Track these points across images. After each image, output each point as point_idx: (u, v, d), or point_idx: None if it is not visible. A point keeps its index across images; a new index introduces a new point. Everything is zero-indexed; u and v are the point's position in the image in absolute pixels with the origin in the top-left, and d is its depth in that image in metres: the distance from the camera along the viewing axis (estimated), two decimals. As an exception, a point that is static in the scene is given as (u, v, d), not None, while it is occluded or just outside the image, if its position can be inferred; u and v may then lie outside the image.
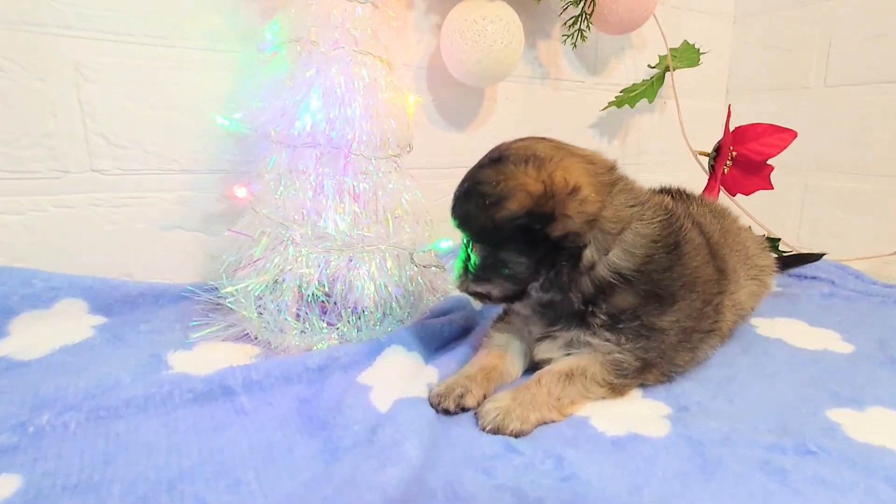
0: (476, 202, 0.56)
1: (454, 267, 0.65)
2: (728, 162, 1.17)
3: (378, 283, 0.75)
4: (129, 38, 0.83)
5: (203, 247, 0.93)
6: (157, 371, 0.64)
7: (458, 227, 0.60)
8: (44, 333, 0.72)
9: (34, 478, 0.44)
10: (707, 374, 0.68)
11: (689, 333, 0.63)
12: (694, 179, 1.22)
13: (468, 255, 0.62)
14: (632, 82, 1.39)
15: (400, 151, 0.82)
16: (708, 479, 0.47)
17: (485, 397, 0.60)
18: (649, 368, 0.62)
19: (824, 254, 1.08)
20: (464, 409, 0.58)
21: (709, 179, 1.19)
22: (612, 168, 0.62)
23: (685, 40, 1.37)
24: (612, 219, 0.58)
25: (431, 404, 0.58)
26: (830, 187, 1.42)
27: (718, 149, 1.17)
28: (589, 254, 0.57)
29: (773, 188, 1.18)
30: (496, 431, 0.53)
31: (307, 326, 0.75)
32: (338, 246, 0.74)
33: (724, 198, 1.20)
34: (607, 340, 0.59)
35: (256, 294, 0.74)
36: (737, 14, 1.57)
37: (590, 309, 0.59)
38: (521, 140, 0.62)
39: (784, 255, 1.10)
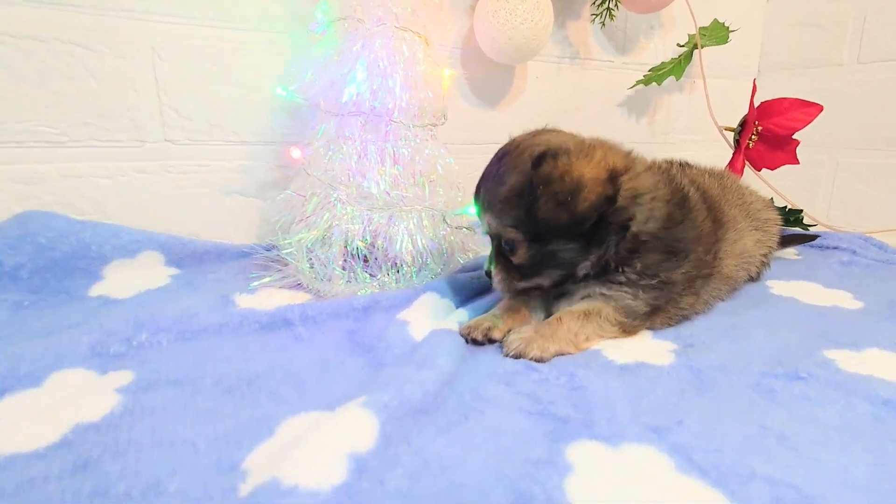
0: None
1: (491, 273, 0.68)
2: (753, 137, 1.20)
3: (415, 238, 0.84)
4: (197, 22, 0.94)
5: (259, 211, 1.04)
6: (226, 307, 0.74)
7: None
8: (130, 279, 0.84)
9: (143, 373, 0.55)
10: (715, 320, 0.74)
11: (693, 280, 0.69)
12: (721, 157, 1.25)
13: (507, 259, 0.66)
14: (660, 61, 1.42)
15: (435, 121, 0.90)
16: (702, 395, 0.53)
17: (510, 332, 0.67)
18: (657, 312, 0.68)
19: (818, 235, 1.11)
20: (490, 341, 0.66)
21: (733, 154, 1.22)
22: (629, 151, 0.68)
23: (715, 19, 1.39)
24: (645, 190, 0.64)
25: (462, 335, 0.66)
26: (862, 164, 1.42)
27: (743, 124, 1.20)
28: (634, 225, 0.63)
29: (798, 163, 1.21)
30: (518, 357, 0.61)
31: (352, 276, 0.84)
32: (379, 205, 0.83)
33: (747, 173, 1.23)
34: (625, 293, 0.65)
35: (308, 247, 0.83)
36: (770, -9, 1.58)
37: (621, 269, 0.65)
38: (539, 134, 0.67)
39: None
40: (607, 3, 1.18)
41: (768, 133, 1.19)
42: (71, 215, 0.87)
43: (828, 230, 1.19)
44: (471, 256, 0.94)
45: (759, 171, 1.24)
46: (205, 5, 0.93)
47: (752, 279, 0.90)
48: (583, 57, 1.37)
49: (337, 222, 0.82)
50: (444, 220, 0.88)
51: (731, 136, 1.25)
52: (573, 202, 0.58)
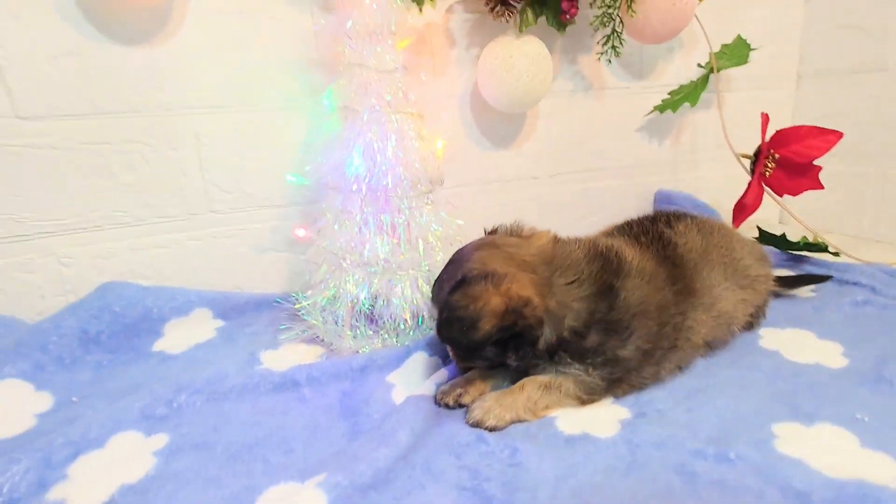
0: (456, 327, 0.68)
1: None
2: (771, 164, 1.17)
3: (411, 299, 0.94)
4: (229, 109, 1.09)
5: (289, 265, 1.19)
6: (252, 366, 0.90)
7: (445, 343, 0.76)
8: (184, 335, 1.02)
9: (175, 436, 0.70)
10: (682, 383, 0.78)
11: (650, 353, 0.73)
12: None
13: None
14: (682, 82, 1.40)
15: (432, 188, 1.00)
16: (627, 476, 0.59)
17: (481, 395, 0.76)
18: (617, 384, 0.74)
19: (830, 276, 1.06)
20: (460, 405, 0.75)
21: (749, 182, 1.19)
22: (551, 259, 0.73)
23: (738, 35, 1.35)
24: (557, 306, 0.70)
25: (435, 400, 0.76)
26: (908, 177, 1.32)
27: (758, 153, 1.17)
28: (544, 337, 0.70)
29: (823, 188, 1.17)
30: (476, 426, 0.70)
31: (358, 333, 0.97)
32: (379, 270, 0.94)
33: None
34: (577, 370, 0.72)
35: (321, 307, 0.97)
36: (809, -6, 1.48)
37: (556, 356, 0.72)
38: (477, 250, 0.74)
39: (791, 276, 1.09)
40: (611, 40, 1.19)
41: (785, 161, 1.15)
42: (139, 282, 1.07)
43: (854, 261, 1.14)
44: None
45: (781, 196, 1.20)
46: (235, 95, 1.09)
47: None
48: (597, 87, 1.39)
49: (343, 286, 0.94)
50: (440, 277, 0.98)
51: (748, 163, 1.22)
52: (471, 331, 0.67)
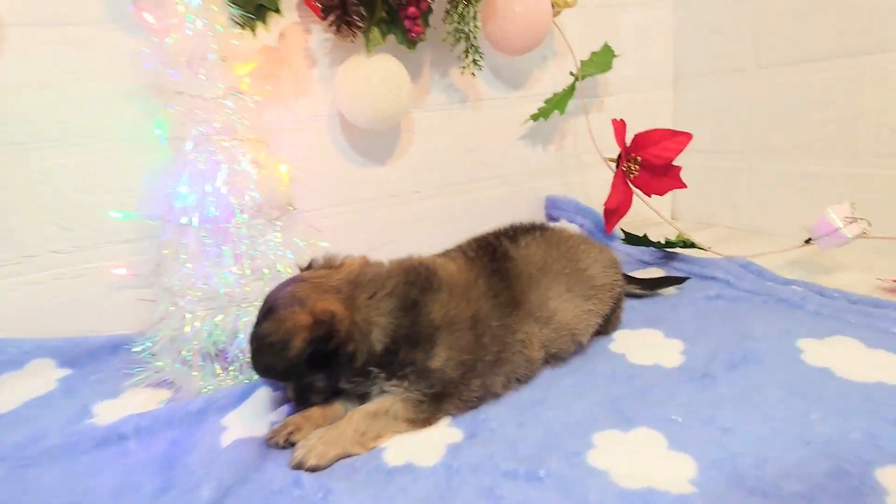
0: (268, 353, 0.67)
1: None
2: (635, 167, 1.20)
3: (260, 331, 0.89)
4: (62, 142, 1.02)
5: (148, 304, 1.12)
6: (80, 421, 0.82)
7: (264, 377, 0.73)
8: (19, 389, 0.93)
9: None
10: (522, 396, 0.77)
11: (470, 364, 0.72)
12: None
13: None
14: (558, 90, 1.43)
15: (280, 214, 0.96)
16: (437, 504, 0.57)
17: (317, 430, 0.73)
18: (444, 400, 0.72)
19: (688, 278, 1.09)
20: (292, 444, 0.71)
21: (612, 186, 1.22)
22: (356, 279, 0.73)
23: (606, 43, 1.38)
24: (363, 321, 0.70)
25: (266, 440, 0.72)
26: (772, 169, 1.39)
27: (620, 157, 1.20)
28: (358, 351, 0.69)
29: (685, 187, 1.21)
30: (298, 467, 0.66)
31: (206, 372, 0.91)
32: (222, 304, 0.89)
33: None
34: (395, 387, 0.70)
35: (165, 347, 0.91)
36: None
37: (372, 374, 0.70)
38: (284, 286, 0.73)
39: (650, 278, 1.11)
40: (471, 54, 1.19)
41: (647, 163, 1.18)
42: (-35, 336, 0.97)
43: (716, 256, 1.18)
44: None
45: (650, 196, 1.23)
46: (69, 128, 1.02)
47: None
48: (473, 99, 1.39)
49: (186, 324, 0.89)
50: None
51: (614, 166, 1.25)
52: (284, 350, 0.65)
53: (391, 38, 1.10)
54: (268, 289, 0.90)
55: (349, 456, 0.68)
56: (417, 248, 1.42)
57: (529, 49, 1.21)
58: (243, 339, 0.88)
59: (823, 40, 1.21)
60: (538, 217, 1.56)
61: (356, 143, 1.29)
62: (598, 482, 0.57)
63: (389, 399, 0.71)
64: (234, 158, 0.89)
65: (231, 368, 0.91)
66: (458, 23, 1.10)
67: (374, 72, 1.06)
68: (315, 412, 0.75)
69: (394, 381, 0.71)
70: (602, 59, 1.34)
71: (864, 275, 1.05)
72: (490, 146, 1.45)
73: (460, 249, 0.88)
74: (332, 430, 0.69)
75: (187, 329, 0.86)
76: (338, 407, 0.77)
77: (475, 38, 1.16)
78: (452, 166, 1.42)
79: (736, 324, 0.89)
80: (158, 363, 0.91)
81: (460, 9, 1.07)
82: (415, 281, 0.75)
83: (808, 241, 1.10)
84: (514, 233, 0.91)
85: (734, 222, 1.51)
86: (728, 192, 1.50)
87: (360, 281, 0.73)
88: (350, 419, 0.70)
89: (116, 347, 1.05)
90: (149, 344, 0.91)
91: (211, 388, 0.88)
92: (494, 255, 0.83)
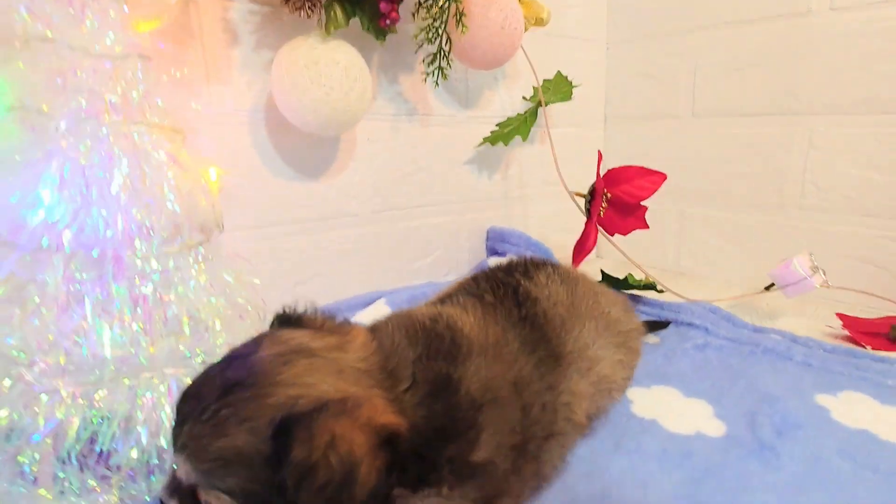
0: (321, 500, 0.37)
1: None
2: (604, 204, 1.11)
3: (170, 418, 0.58)
4: None
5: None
6: None
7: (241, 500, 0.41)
8: None
9: None
10: (574, 486, 0.58)
11: (522, 448, 0.52)
12: (579, 212, 1.16)
13: None
14: (508, 114, 1.31)
15: (203, 238, 0.66)
16: None
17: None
18: (497, 499, 0.51)
19: (670, 322, 1.05)
20: None
21: (586, 223, 1.13)
22: (384, 362, 0.49)
23: (559, 71, 1.31)
24: (412, 426, 0.45)
25: None
26: (705, 216, 1.43)
27: (593, 192, 1.11)
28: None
29: (648, 227, 1.15)
30: None
31: (68, 487, 0.56)
32: (107, 377, 0.56)
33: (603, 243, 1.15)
34: (427, 497, 0.46)
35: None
36: (609, 41, 1.55)
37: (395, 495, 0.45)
38: (285, 363, 0.44)
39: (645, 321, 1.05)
40: (438, 61, 1.02)
41: (617, 200, 1.11)
42: None
43: (680, 300, 1.14)
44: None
45: (612, 236, 1.16)
46: None
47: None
48: (422, 112, 1.21)
49: (34, 412, 0.54)
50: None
51: (581, 201, 1.16)
52: (350, 486, 0.38)
53: (355, 22, 0.87)
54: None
55: None
56: (347, 284, 1.18)
57: (500, 63, 1.08)
58: (143, 431, 0.56)
59: (756, 97, 1.28)
60: (479, 251, 1.41)
61: (285, 151, 1.01)
62: None
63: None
64: (141, 151, 0.58)
65: (117, 478, 0.57)
66: (436, 18, 0.92)
67: (336, 61, 0.82)
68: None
69: (423, 493, 0.47)
70: (559, 88, 1.27)
71: (802, 319, 1.08)
72: (434, 168, 1.27)
73: (468, 293, 0.67)
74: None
75: (50, 414, 0.52)
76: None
77: (448, 40, 0.99)
78: (392, 188, 1.21)
79: (743, 379, 0.83)
80: (-27, 481, 0.54)
81: (441, 1, 0.89)
82: (439, 349, 0.52)
83: (768, 288, 1.11)
84: (526, 268, 0.73)
85: (661, 263, 1.53)
86: (657, 235, 1.52)
87: (389, 364, 0.48)
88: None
89: None
90: (-45, 449, 0.54)
91: (78, 518, 0.54)
92: (516, 297, 0.65)
